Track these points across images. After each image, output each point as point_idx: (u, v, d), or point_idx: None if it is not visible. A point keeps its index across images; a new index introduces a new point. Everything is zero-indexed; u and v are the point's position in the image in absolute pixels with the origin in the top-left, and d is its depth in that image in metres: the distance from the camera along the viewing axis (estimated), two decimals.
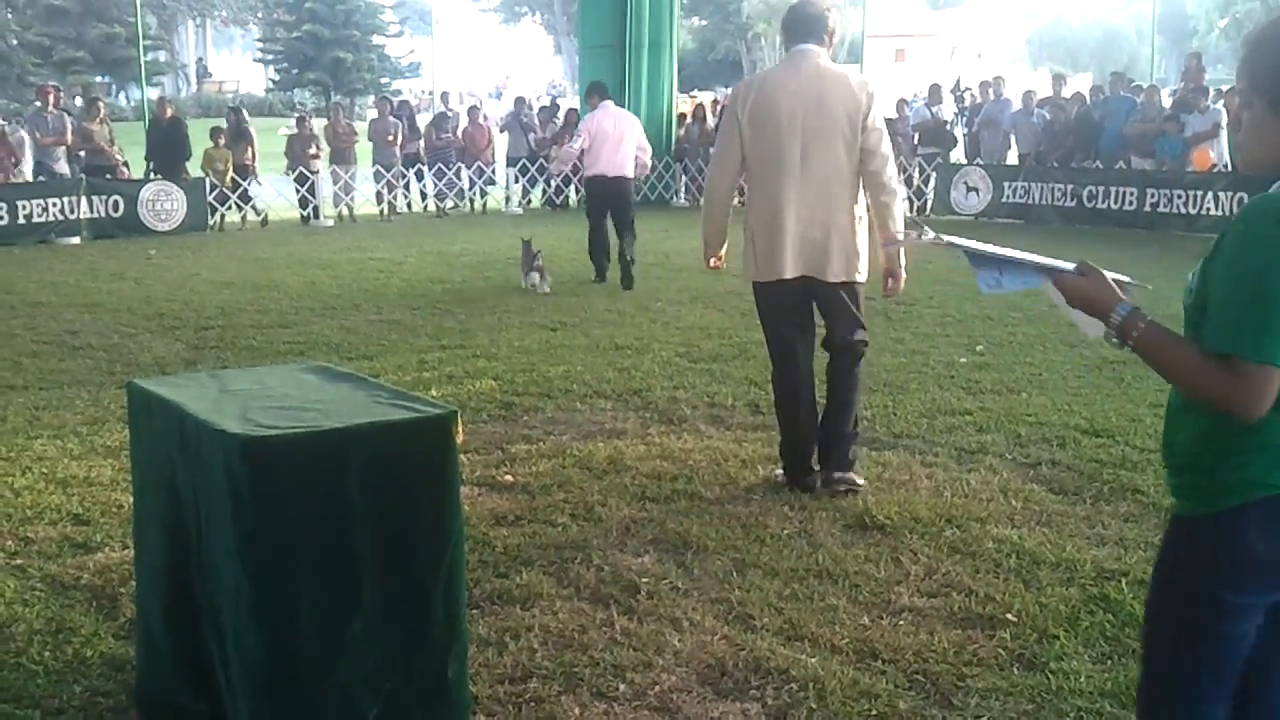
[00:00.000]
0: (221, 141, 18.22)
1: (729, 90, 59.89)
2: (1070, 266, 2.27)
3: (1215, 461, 2.16)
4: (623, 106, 19.94)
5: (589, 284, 11.67)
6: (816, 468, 5.25)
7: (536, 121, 21.16)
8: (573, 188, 20.64)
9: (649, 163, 12.44)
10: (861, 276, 5.18)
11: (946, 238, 2.44)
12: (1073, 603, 4.01)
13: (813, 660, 3.63)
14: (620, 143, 11.59)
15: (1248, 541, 2.13)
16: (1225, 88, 19.27)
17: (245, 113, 20.26)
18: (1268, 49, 2.13)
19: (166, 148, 18.05)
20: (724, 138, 5.27)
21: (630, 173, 11.80)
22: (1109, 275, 2.27)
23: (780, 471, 5.39)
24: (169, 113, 18.79)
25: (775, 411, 5.44)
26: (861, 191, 5.12)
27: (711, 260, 5.61)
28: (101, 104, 19.13)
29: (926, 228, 2.59)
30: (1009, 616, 3.91)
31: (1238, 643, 2.20)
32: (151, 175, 17.70)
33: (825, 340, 5.32)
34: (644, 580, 4.25)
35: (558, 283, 11.58)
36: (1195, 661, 2.24)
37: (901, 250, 5.14)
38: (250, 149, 18.61)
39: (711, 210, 5.42)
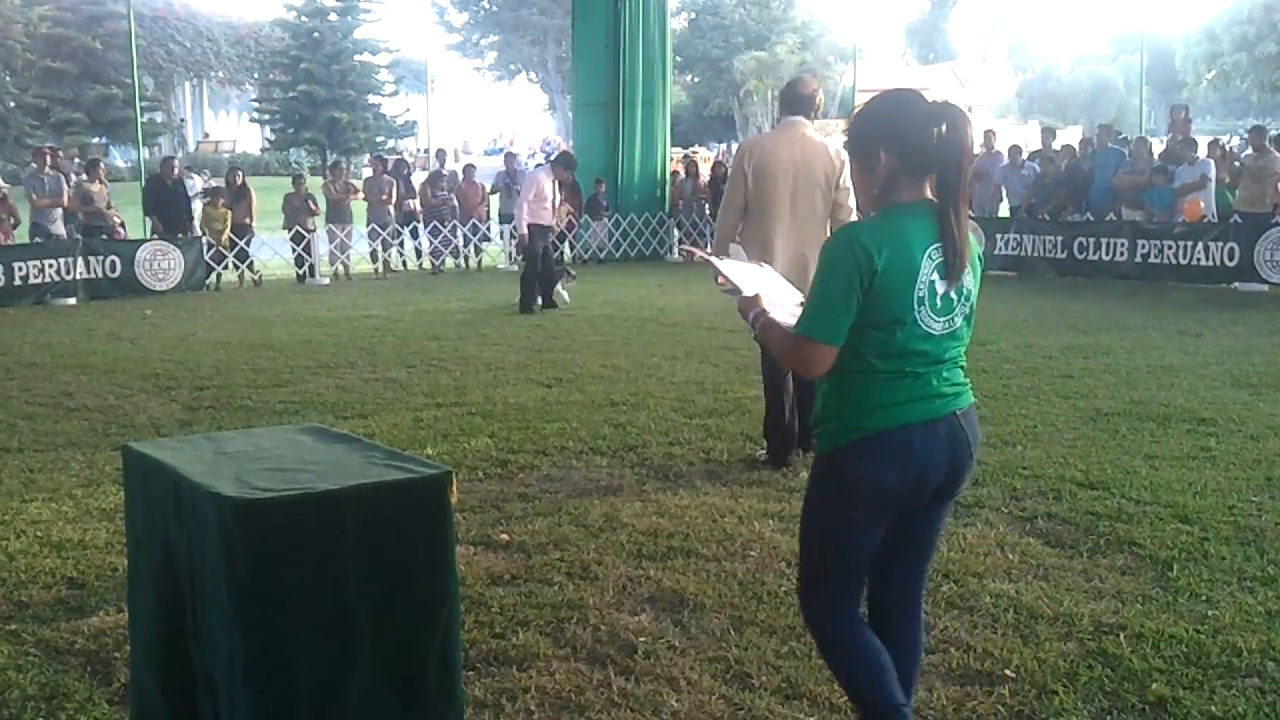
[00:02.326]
0: (221, 201, 18.33)
1: (722, 146, 60.52)
2: (749, 293, 3.20)
3: (829, 414, 2.98)
4: (618, 161, 20.75)
5: (585, 336, 11.72)
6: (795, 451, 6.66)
7: None
8: (566, 244, 20.76)
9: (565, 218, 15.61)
10: None
11: (700, 253, 3.69)
12: (1071, 657, 4.00)
13: (812, 719, 3.61)
14: (545, 198, 14.23)
15: (851, 470, 2.95)
16: (1211, 139, 19.49)
17: (242, 173, 20.36)
18: (854, 125, 3.01)
19: (170, 206, 18.27)
20: (733, 186, 6.59)
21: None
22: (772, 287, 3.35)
23: (764, 452, 6.74)
24: (175, 172, 19.04)
25: (765, 398, 6.79)
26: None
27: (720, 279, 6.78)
28: (102, 165, 19.27)
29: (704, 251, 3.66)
30: (1007, 672, 3.90)
31: (857, 550, 3.05)
32: (151, 234, 17.81)
33: None
34: (641, 639, 4.23)
35: (550, 337, 11.79)
36: (827, 563, 3.10)
37: None
38: (249, 209, 18.72)
39: (722, 239, 6.67)
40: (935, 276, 2.87)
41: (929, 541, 3.19)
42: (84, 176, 18.01)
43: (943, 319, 2.91)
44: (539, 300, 14.36)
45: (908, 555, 3.17)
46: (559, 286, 14.81)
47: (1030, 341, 10.94)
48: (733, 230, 6.64)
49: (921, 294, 2.85)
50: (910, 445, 2.90)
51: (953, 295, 2.92)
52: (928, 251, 2.86)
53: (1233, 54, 56.82)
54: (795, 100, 6.60)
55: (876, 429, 2.90)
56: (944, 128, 2.85)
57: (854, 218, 6.29)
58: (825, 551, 3.09)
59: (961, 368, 3.04)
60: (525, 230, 14.10)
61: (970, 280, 2.98)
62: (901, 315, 2.85)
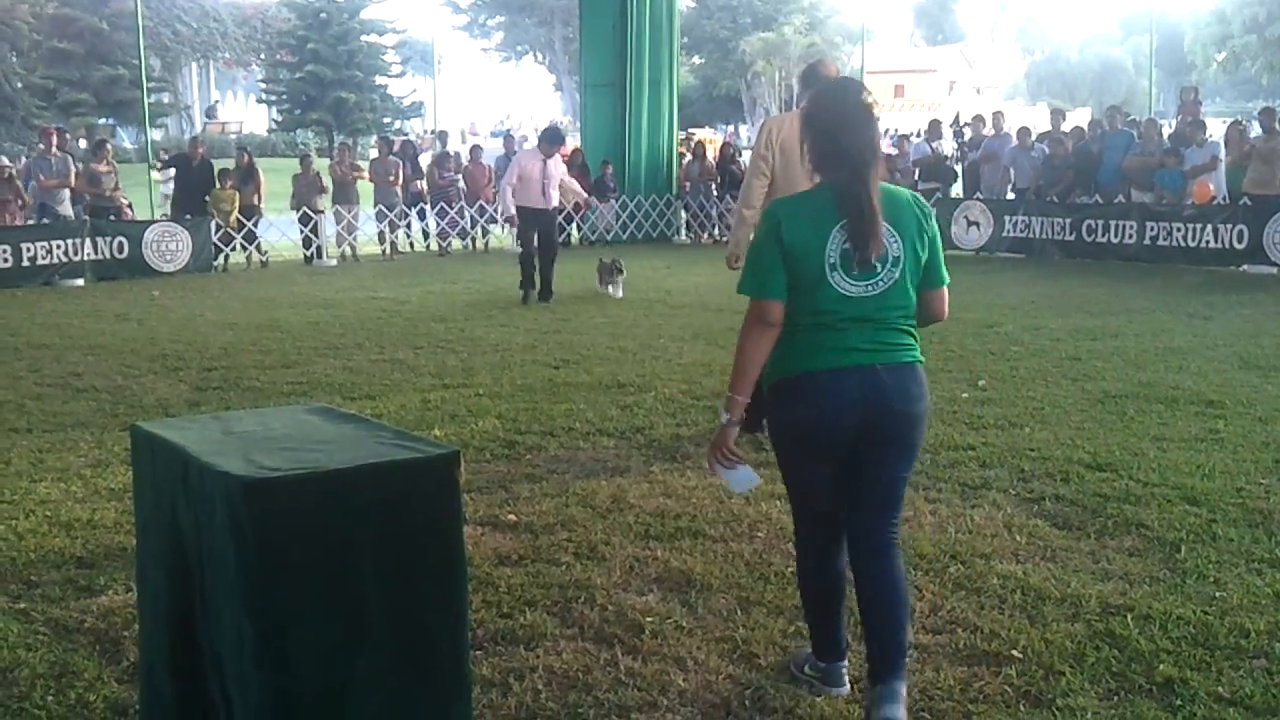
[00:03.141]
0: (229, 183, 18.33)
1: (729, 127, 60.11)
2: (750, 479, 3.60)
3: (769, 363, 3.41)
4: (625, 142, 20.61)
5: (592, 318, 11.71)
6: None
7: None
8: (574, 226, 20.76)
9: (577, 190, 14.37)
10: None
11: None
12: (1078, 638, 4.00)
13: (818, 699, 3.61)
14: (532, 179, 13.06)
15: (775, 408, 3.48)
16: (1232, 120, 19.37)
17: (249, 153, 20.36)
18: (805, 115, 3.51)
19: (194, 186, 18.57)
20: (760, 162, 6.69)
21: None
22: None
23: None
24: (200, 152, 19.37)
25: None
26: None
27: (734, 262, 6.86)
28: (109, 146, 19.27)
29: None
30: (1014, 653, 3.90)
31: (799, 484, 3.54)
32: (164, 215, 18.00)
33: None
34: (648, 619, 4.24)
35: (559, 319, 11.82)
36: (792, 491, 3.61)
37: None
38: (258, 190, 18.72)
39: (746, 217, 6.74)
40: (848, 245, 3.26)
41: (882, 491, 3.43)
42: (91, 157, 18.11)
43: (862, 283, 3.30)
44: (535, 286, 13.34)
45: (863, 508, 3.43)
46: (615, 280, 13.94)
47: (1038, 324, 10.91)
48: (759, 205, 6.58)
49: (833, 260, 3.27)
50: (813, 387, 3.33)
51: (876, 263, 3.28)
52: (840, 224, 3.27)
53: (1243, 36, 56.48)
54: (818, 80, 6.64)
55: (791, 373, 3.37)
56: (848, 128, 3.31)
57: None
58: (787, 488, 3.63)
59: (901, 330, 3.42)
60: (513, 211, 13.22)
61: (899, 248, 3.31)
62: (816, 278, 3.28)
